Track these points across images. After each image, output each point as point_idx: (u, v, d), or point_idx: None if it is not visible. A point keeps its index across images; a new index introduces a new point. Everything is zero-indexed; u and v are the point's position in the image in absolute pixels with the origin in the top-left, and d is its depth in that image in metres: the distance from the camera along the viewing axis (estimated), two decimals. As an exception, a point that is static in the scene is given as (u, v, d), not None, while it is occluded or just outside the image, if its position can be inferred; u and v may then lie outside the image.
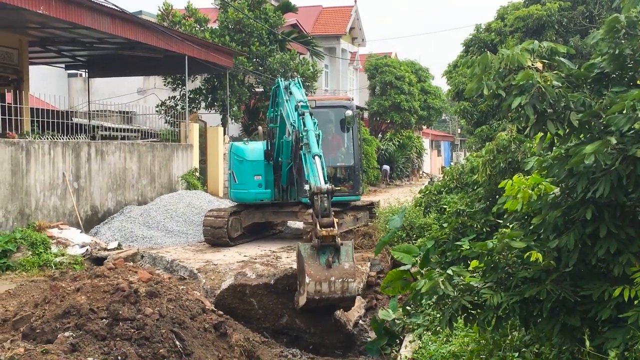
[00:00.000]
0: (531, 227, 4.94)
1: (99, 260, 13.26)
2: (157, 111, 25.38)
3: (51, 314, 7.94)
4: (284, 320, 10.86)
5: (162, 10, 26.78)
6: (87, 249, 13.92)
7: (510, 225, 5.28)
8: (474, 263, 5.48)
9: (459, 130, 63.35)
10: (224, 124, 25.73)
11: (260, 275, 11.58)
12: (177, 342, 7.79)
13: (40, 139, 15.88)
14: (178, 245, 15.66)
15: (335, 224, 9.80)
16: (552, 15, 22.53)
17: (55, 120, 17.07)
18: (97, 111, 22.61)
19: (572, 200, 4.62)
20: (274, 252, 14.55)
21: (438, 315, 6.31)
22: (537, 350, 5.65)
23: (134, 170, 18.61)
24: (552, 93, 4.45)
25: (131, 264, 11.80)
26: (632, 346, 4.29)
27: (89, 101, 24.82)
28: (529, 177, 4.92)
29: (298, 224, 17.99)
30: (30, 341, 7.52)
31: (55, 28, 18.20)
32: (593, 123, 4.52)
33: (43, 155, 15.15)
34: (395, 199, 19.17)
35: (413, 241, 12.08)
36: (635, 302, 4.25)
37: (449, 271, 5.18)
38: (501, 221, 6.02)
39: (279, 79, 14.43)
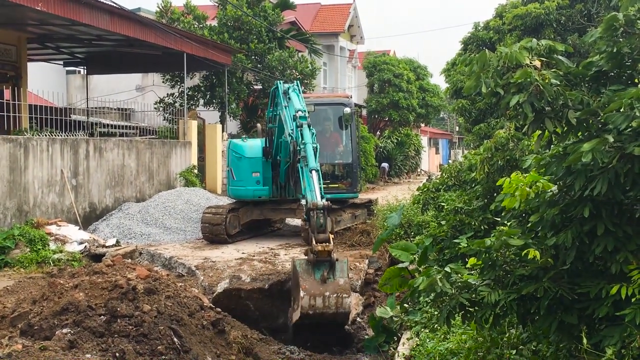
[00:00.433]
0: (529, 224, 4.95)
1: (97, 257, 13.26)
2: (155, 108, 25.36)
3: (49, 310, 7.94)
4: (281, 320, 10.88)
5: (160, 7, 26.75)
6: (85, 246, 13.92)
7: (508, 223, 5.29)
8: (471, 260, 5.50)
9: (457, 128, 63.42)
10: (223, 121, 25.72)
11: (254, 278, 11.59)
12: (175, 339, 7.80)
13: (39, 135, 15.86)
14: (176, 242, 15.67)
15: (331, 240, 9.86)
16: (550, 14, 22.55)
17: (54, 117, 17.06)
18: (96, 108, 22.56)
19: (570, 198, 4.64)
20: (272, 249, 14.55)
21: (436, 313, 6.32)
22: (534, 348, 5.67)
23: (132, 167, 18.61)
24: (550, 91, 4.46)
25: (129, 261, 11.80)
26: (629, 344, 4.30)
27: (87, 98, 24.79)
28: (526, 174, 4.93)
29: (296, 221, 17.99)
30: (28, 338, 7.53)
31: (54, 25, 18.17)
32: (591, 121, 4.53)
33: (41, 152, 15.15)
34: (393, 196, 19.18)
35: (411, 239, 12.09)
36: (633, 299, 4.26)
37: (447, 269, 5.19)
38: (499, 219, 6.03)
39: (279, 82, 14.40)
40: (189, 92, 25.60)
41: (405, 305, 9.02)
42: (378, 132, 40.58)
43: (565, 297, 4.60)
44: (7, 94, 19.69)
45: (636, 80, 4.77)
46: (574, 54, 19.40)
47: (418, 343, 7.58)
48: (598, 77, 4.80)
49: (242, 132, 26.87)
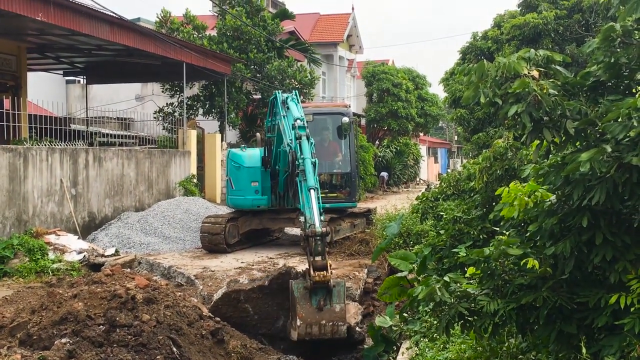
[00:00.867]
0: (527, 234, 4.95)
1: (97, 267, 13.25)
2: (155, 118, 25.40)
3: (48, 320, 7.93)
4: (280, 323, 10.86)
5: (160, 17, 26.82)
6: (85, 256, 13.91)
7: (507, 233, 5.30)
8: (470, 270, 5.50)
9: (456, 138, 63.47)
10: (222, 130, 25.76)
11: (252, 279, 11.58)
12: (174, 349, 7.79)
13: (38, 145, 15.87)
14: (175, 252, 15.66)
15: (329, 267, 9.93)
16: (548, 24, 22.63)
17: (53, 127, 17.08)
18: (95, 117, 22.61)
19: (568, 208, 4.64)
20: (271, 258, 14.55)
21: (435, 322, 6.31)
22: (533, 358, 5.66)
23: (132, 176, 18.61)
24: (548, 101, 4.47)
25: (128, 270, 11.78)
26: (629, 353, 4.30)
27: (87, 107, 24.82)
28: (525, 184, 4.94)
29: (295, 231, 17.98)
30: (27, 348, 7.52)
31: (54, 35, 18.23)
32: (589, 131, 4.54)
33: (41, 161, 15.16)
34: (392, 205, 19.19)
35: (410, 248, 12.09)
36: (632, 309, 4.26)
37: (446, 278, 5.19)
38: (498, 228, 6.03)
39: (277, 92, 14.42)
40: (188, 101, 25.64)
41: (405, 314, 9.00)
42: (377, 142, 40.62)
43: (564, 307, 4.60)
44: (6, 103, 19.71)
45: (634, 90, 4.78)
46: (572, 64, 19.46)
47: (417, 352, 7.57)
48: (596, 87, 4.82)
49: (242, 142, 26.88)
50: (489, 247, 4.99)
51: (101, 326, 7.72)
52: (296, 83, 27.36)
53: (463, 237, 8.63)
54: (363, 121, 37.79)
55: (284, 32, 29.63)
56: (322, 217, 10.69)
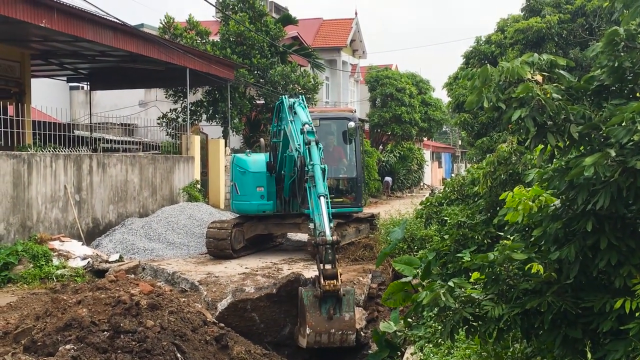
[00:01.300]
0: (532, 239, 4.95)
1: (101, 273, 13.26)
2: (158, 123, 25.44)
3: (52, 326, 7.94)
4: (287, 330, 10.84)
5: (163, 23, 26.89)
6: (89, 262, 13.92)
7: (511, 237, 5.29)
8: (475, 275, 5.48)
9: (460, 142, 63.42)
10: (225, 136, 25.78)
11: (259, 287, 11.56)
12: (179, 355, 7.78)
13: (42, 151, 15.91)
14: (179, 257, 15.66)
15: (339, 276, 9.95)
16: (551, 28, 22.62)
17: (57, 133, 17.11)
18: (99, 124, 22.65)
19: (573, 212, 4.63)
20: (275, 264, 14.54)
21: (439, 327, 6.30)
22: (538, 363, 5.64)
23: (136, 182, 18.64)
24: (552, 105, 4.47)
25: (132, 276, 11.80)
26: (634, 358, 4.28)
27: (90, 114, 24.89)
28: (529, 189, 4.93)
29: (299, 236, 17.99)
30: (31, 354, 7.52)
31: (58, 41, 18.28)
32: (593, 135, 4.53)
33: (45, 167, 15.19)
34: (396, 210, 19.17)
35: (414, 253, 12.08)
36: (637, 314, 4.25)
37: (450, 283, 5.18)
38: (502, 233, 6.03)
39: (284, 97, 14.38)
40: (191, 107, 25.68)
41: (409, 319, 8.99)
42: (381, 147, 40.62)
43: (569, 312, 4.58)
44: (10, 110, 19.75)
45: (638, 94, 4.77)
46: (576, 68, 19.46)
47: (422, 358, 7.55)
48: (600, 91, 4.81)
49: (245, 147, 26.91)
50: (494, 252, 4.98)
51: (105, 332, 7.72)
52: (299, 88, 27.37)
53: (467, 242, 8.61)
54: (367, 126, 37.79)
55: (287, 37, 29.67)
56: (331, 224, 10.68)
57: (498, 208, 7.71)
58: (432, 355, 7.37)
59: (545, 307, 4.60)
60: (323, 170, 11.41)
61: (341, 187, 16.87)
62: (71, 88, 32.95)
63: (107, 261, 14.27)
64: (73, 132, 18.76)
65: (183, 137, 22.18)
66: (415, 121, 38.93)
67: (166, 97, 27.15)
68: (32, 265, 13.06)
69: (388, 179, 37.29)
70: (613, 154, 4.26)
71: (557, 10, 23.55)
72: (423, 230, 13.07)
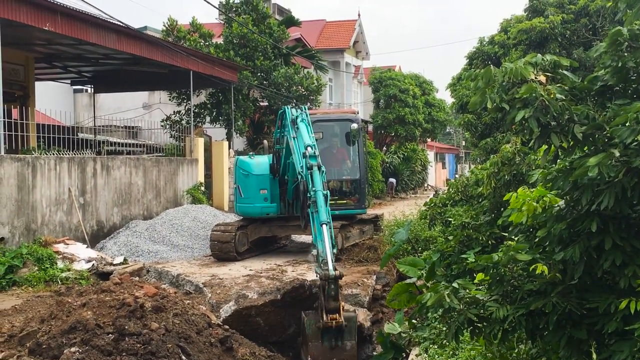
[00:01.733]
0: (536, 239, 4.94)
1: (105, 275, 13.27)
2: (162, 126, 25.46)
3: (57, 329, 7.95)
4: (291, 330, 10.86)
5: (167, 25, 26.92)
6: (93, 264, 13.93)
7: (516, 238, 5.28)
8: (479, 276, 5.48)
9: (464, 143, 63.37)
10: (229, 138, 25.80)
11: (262, 293, 11.53)
12: (183, 357, 7.79)
13: (46, 154, 15.93)
14: (184, 260, 15.67)
15: (341, 310, 10.05)
16: (555, 28, 22.58)
17: (61, 136, 17.14)
18: (103, 126, 22.70)
19: (577, 213, 4.63)
20: (279, 265, 14.54)
21: (444, 329, 6.29)
22: (544, 364, 5.63)
23: (140, 185, 18.66)
24: (555, 106, 4.46)
25: (137, 278, 11.82)
26: (639, 359, 4.27)
27: (94, 116, 24.93)
28: (533, 189, 4.92)
29: (303, 238, 18.00)
30: (36, 357, 7.53)
31: (61, 44, 18.32)
32: (597, 135, 4.53)
33: (49, 170, 15.21)
34: (400, 211, 19.16)
35: (418, 254, 12.07)
36: (642, 314, 4.24)
37: (455, 284, 5.18)
38: (506, 234, 6.02)
39: (286, 107, 14.27)
40: (195, 109, 25.71)
41: (414, 321, 8.98)
42: (384, 148, 40.61)
43: (574, 312, 4.58)
44: (15, 113, 19.77)
45: (642, 94, 4.77)
46: (580, 68, 19.42)
47: (426, 359, 7.55)
48: (603, 91, 4.81)
49: (249, 149, 26.91)
50: (498, 252, 4.98)
51: (110, 335, 7.73)
52: (303, 90, 27.39)
53: (471, 242, 8.61)
54: (370, 127, 37.78)
55: (290, 39, 29.68)
56: (334, 250, 10.76)
57: (502, 209, 7.71)
58: (436, 356, 7.36)
59: (550, 307, 4.59)
60: (325, 197, 11.42)
61: (345, 189, 16.88)
62: (75, 91, 33.01)
63: (111, 264, 14.28)
64: (77, 135, 18.79)
65: (187, 139, 22.20)
66: (418, 122, 38.92)
67: (170, 100, 27.18)
68: (36, 268, 13.08)
69: (392, 180, 37.27)
70: (617, 154, 4.25)
71: (561, 10, 23.51)
72: (427, 232, 13.07)
